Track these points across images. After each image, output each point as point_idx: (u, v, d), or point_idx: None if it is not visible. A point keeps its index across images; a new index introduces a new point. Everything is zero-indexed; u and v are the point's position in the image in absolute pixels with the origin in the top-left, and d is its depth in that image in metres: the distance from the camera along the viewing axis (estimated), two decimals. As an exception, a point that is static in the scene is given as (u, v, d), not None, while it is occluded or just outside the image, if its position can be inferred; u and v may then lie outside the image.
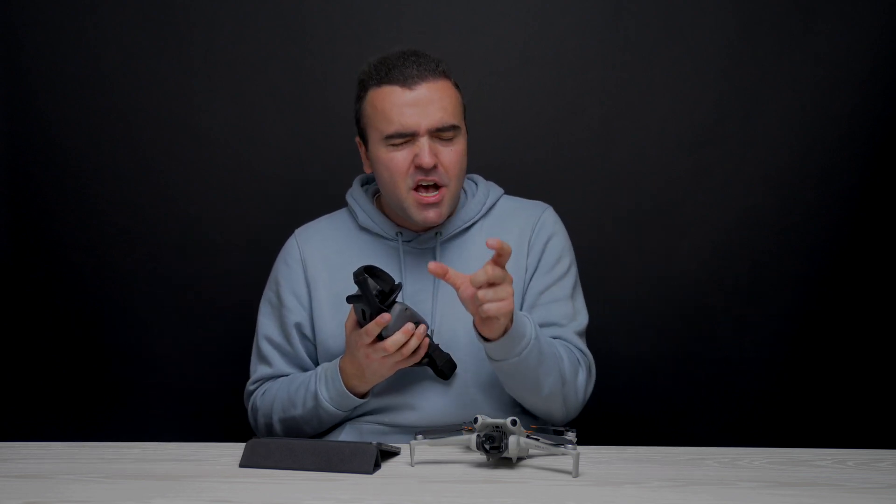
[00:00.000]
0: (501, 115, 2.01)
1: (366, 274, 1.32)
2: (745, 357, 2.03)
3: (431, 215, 1.45)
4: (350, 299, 1.35)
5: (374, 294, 1.32)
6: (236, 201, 2.05)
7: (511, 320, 1.33)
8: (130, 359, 2.06)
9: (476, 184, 1.59)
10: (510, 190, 1.62)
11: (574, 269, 1.57)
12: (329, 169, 2.00)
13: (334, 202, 1.64)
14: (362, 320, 1.36)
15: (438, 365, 1.42)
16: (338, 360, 1.44)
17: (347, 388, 1.42)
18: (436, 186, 1.45)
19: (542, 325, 1.48)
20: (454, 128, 1.45)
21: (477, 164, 1.66)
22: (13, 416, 2.04)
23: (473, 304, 1.28)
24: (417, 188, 1.44)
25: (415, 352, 1.38)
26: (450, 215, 1.53)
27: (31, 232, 2.06)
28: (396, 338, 1.34)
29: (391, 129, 1.43)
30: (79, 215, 2.05)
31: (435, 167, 1.43)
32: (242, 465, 1.23)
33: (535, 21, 2.02)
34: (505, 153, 2.00)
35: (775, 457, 1.28)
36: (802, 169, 2.01)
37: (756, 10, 1.99)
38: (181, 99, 2.03)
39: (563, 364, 1.44)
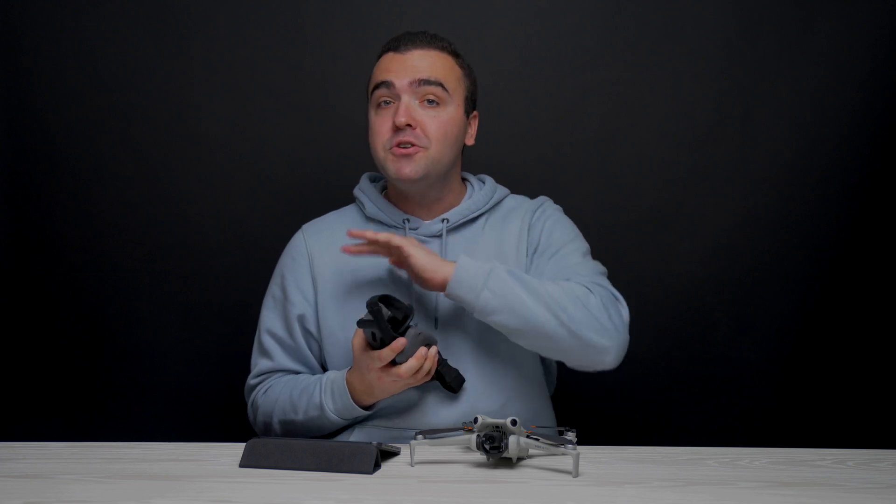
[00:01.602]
0: (501, 115, 2.01)
1: (380, 304, 1.33)
2: (745, 357, 2.03)
3: (406, 170, 1.45)
4: (361, 324, 1.35)
5: (387, 320, 1.33)
6: (236, 201, 2.04)
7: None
8: (130, 359, 2.06)
9: (484, 182, 1.60)
10: (511, 190, 1.63)
11: (583, 243, 1.56)
12: (329, 169, 2.00)
13: (335, 202, 1.64)
14: (372, 342, 1.36)
15: (447, 380, 1.43)
16: (344, 372, 1.44)
17: (354, 401, 1.42)
18: (413, 147, 1.46)
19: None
20: (438, 85, 1.46)
21: (478, 163, 1.66)
22: (13, 416, 2.04)
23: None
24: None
25: (431, 374, 1.39)
26: (456, 205, 1.55)
27: (31, 232, 2.05)
28: (411, 364, 1.35)
29: (374, 83, 1.48)
30: (79, 215, 2.05)
31: (411, 127, 1.45)
32: (242, 465, 1.23)
33: (535, 21, 2.02)
34: (505, 153, 2.00)
35: (775, 457, 1.28)
36: (802, 169, 2.01)
37: (756, 10, 1.99)
38: (181, 99, 2.03)
39: (555, 291, 1.39)
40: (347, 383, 1.42)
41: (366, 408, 1.43)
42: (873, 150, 1.99)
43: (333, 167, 1.97)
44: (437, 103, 1.47)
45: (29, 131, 2.04)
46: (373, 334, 1.34)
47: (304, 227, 1.61)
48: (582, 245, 1.55)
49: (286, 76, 2.03)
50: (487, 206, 1.56)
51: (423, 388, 1.45)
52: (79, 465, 1.27)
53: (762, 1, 1.99)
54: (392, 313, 1.35)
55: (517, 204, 1.60)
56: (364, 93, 1.55)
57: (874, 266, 2.01)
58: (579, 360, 1.42)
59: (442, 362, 1.42)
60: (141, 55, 2.02)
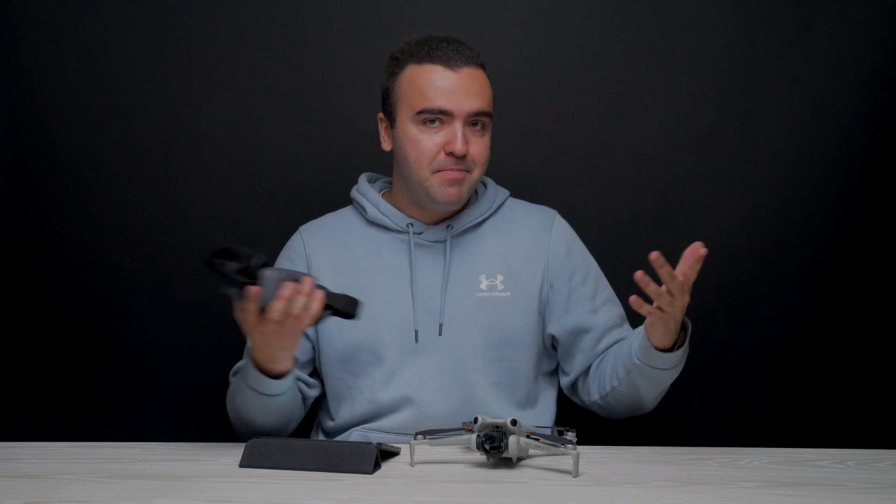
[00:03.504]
0: (501, 115, 2.00)
1: (215, 259, 1.24)
2: (745, 357, 2.03)
3: (453, 192, 1.45)
4: (220, 290, 1.27)
5: (235, 272, 1.24)
6: (236, 202, 2.04)
7: (684, 334, 1.41)
8: (130, 359, 2.06)
9: (486, 185, 1.60)
10: (510, 191, 1.63)
11: (603, 277, 1.62)
12: (329, 169, 1.99)
13: (335, 202, 1.64)
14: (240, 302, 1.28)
15: (339, 308, 1.32)
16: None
17: (266, 373, 1.36)
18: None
19: (610, 328, 1.54)
20: (489, 115, 1.46)
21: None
22: (13, 416, 2.04)
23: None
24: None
25: (311, 309, 1.28)
26: (464, 208, 1.54)
27: (31, 232, 2.05)
28: (276, 305, 1.25)
29: (429, 105, 1.42)
30: (79, 215, 2.04)
31: (464, 156, 1.43)
32: (242, 465, 1.23)
33: (535, 21, 2.02)
34: (505, 153, 1.98)
35: (775, 457, 1.28)
36: (802, 169, 2.01)
37: (756, 10, 1.98)
38: (181, 99, 2.03)
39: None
40: (253, 360, 1.37)
41: (277, 376, 1.37)
42: (873, 150, 1.99)
43: (333, 167, 1.96)
44: (483, 127, 1.47)
45: (29, 131, 2.04)
46: (237, 295, 1.25)
47: (302, 228, 1.60)
48: (604, 278, 1.61)
49: (286, 76, 2.03)
50: (490, 212, 1.55)
51: (418, 385, 1.44)
52: (79, 465, 1.27)
53: (762, 1, 1.98)
54: (239, 263, 1.25)
55: (521, 210, 1.60)
56: (372, 90, 1.54)
57: (874, 266, 2.01)
58: (635, 411, 1.53)
59: (330, 295, 1.30)
60: (141, 55, 2.02)
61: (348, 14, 2.01)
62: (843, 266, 2.01)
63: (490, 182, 1.61)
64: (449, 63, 1.43)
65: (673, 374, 1.44)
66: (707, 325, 2.04)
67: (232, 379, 1.53)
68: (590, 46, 2.03)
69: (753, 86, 2.00)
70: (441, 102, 1.42)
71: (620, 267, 2.01)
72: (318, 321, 1.30)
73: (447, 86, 1.43)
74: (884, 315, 2.01)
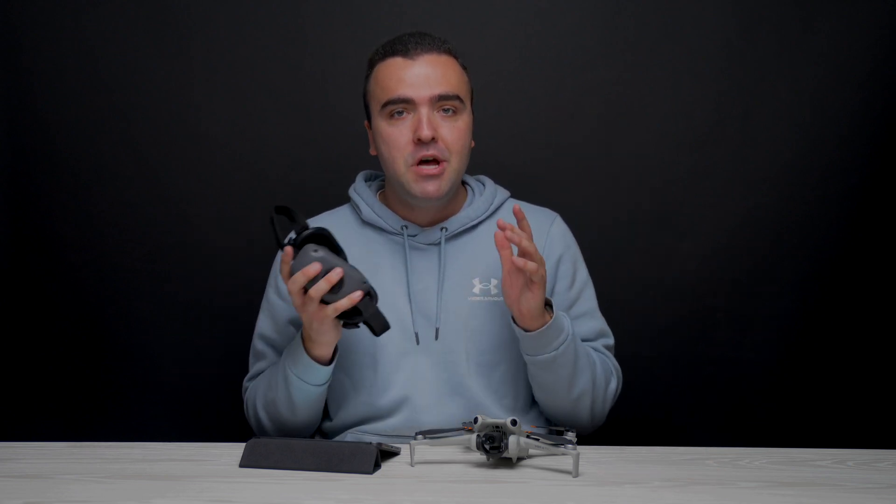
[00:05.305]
0: (501, 116, 2.01)
1: (276, 213, 1.29)
2: (745, 357, 2.03)
3: (430, 188, 1.43)
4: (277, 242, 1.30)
5: (284, 234, 1.28)
6: (236, 202, 2.04)
7: (550, 314, 1.37)
8: (130, 359, 2.06)
9: (484, 184, 1.59)
10: (510, 191, 1.63)
11: (590, 278, 1.58)
12: (329, 169, 2.00)
13: (334, 202, 1.64)
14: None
15: (369, 321, 1.33)
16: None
17: (310, 356, 1.38)
18: (437, 162, 1.43)
19: None
20: (456, 98, 1.43)
21: (477, 164, 1.66)
22: (13, 416, 2.04)
23: (514, 280, 1.34)
24: (418, 164, 1.42)
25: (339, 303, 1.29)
26: (455, 211, 1.53)
27: (31, 232, 2.05)
28: (296, 277, 1.27)
29: (391, 96, 1.42)
30: (79, 215, 2.05)
31: (434, 140, 1.41)
32: (242, 465, 1.23)
33: (535, 21, 2.02)
34: (505, 153, 2.00)
35: (775, 457, 1.28)
36: (802, 169, 2.01)
37: (756, 10, 1.99)
38: (181, 99, 2.03)
39: (597, 369, 1.46)
40: (302, 339, 1.39)
41: (323, 362, 1.39)
42: (873, 150, 1.99)
43: (333, 167, 1.96)
44: (454, 112, 1.44)
45: (29, 131, 2.04)
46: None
47: None
48: (590, 290, 1.57)
49: (286, 76, 2.03)
50: (487, 213, 1.54)
51: (417, 389, 1.44)
52: (79, 465, 1.27)
53: (762, 1, 1.99)
54: (293, 228, 1.29)
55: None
56: (360, 94, 1.54)
57: (874, 266, 2.01)
58: (560, 415, 1.48)
59: (364, 302, 1.30)
60: (141, 55, 2.02)
61: (348, 14, 2.02)
62: (843, 266, 2.01)
63: (489, 182, 1.59)
64: (407, 53, 1.43)
65: (554, 365, 1.39)
66: (707, 325, 2.04)
67: (251, 384, 1.54)
68: (590, 46, 2.03)
69: (753, 86, 2.00)
70: (401, 91, 1.42)
71: (621, 267, 2.03)
72: (348, 325, 1.34)
73: (406, 74, 1.42)
74: (884, 315, 2.01)
